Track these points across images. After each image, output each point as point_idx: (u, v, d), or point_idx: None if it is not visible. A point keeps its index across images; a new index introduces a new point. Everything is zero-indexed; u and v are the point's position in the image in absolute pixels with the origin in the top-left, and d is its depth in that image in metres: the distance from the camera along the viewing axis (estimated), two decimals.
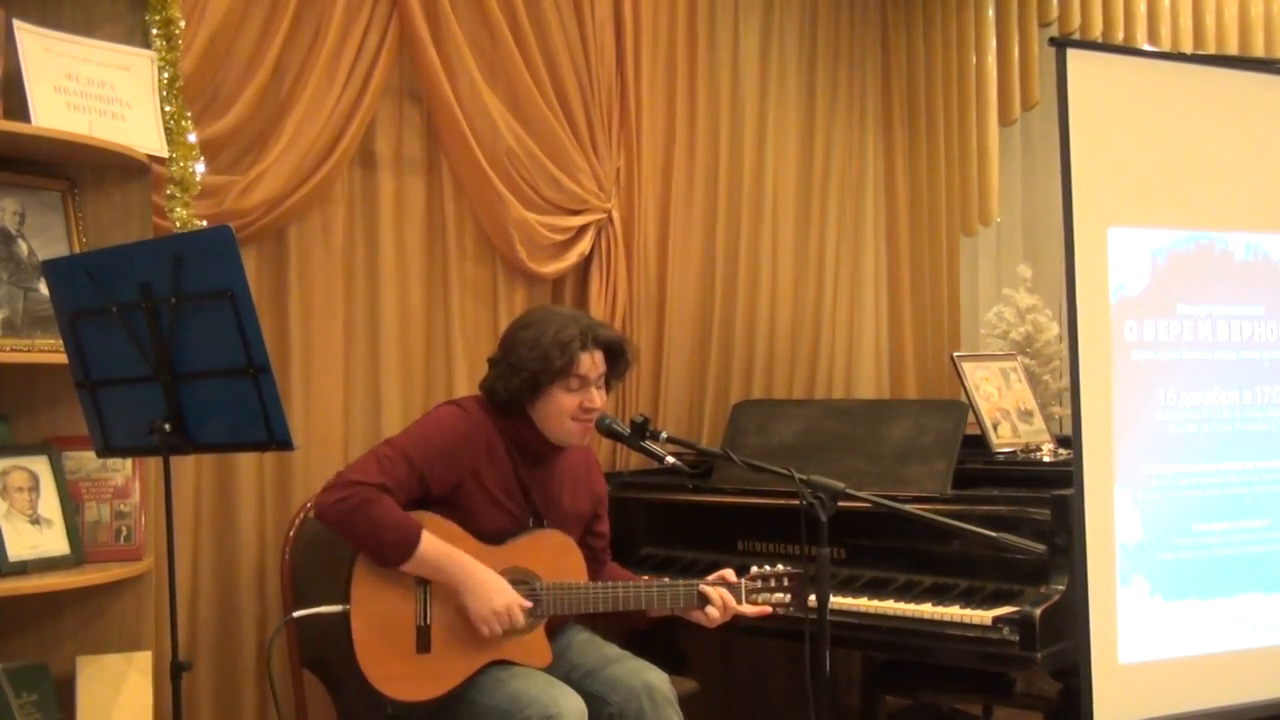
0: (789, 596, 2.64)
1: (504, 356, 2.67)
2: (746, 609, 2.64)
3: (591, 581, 2.67)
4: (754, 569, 2.68)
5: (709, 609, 2.62)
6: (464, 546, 2.52)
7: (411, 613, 2.48)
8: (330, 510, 2.43)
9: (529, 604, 2.51)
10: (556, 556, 2.62)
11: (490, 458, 2.62)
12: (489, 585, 2.48)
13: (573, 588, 2.59)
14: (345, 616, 2.44)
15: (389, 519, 2.42)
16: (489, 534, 2.58)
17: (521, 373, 2.61)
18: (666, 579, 3.30)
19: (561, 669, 2.62)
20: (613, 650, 2.69)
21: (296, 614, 2.56)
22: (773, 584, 2.65)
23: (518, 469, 2.65)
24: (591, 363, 2.65)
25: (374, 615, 2.45)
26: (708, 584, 2.64)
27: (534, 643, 2.57)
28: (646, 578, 2.86)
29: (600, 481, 2.90)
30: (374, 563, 2.46)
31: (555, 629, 2.69)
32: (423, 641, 2.48)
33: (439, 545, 2.47)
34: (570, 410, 2.63)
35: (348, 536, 2.46)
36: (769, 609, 2.65)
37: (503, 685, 2.47)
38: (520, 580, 2.55)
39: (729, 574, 2.68)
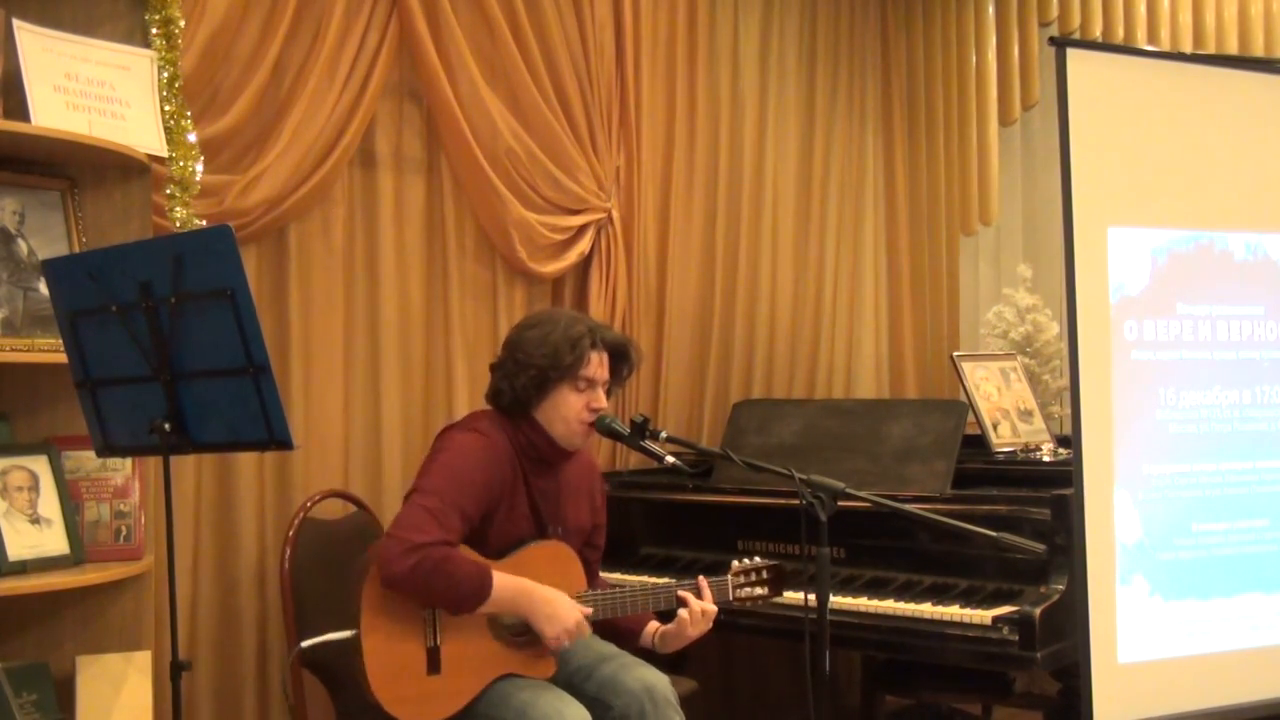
0: (767, 590, 2.70)
1: (509, 356, 2.66)
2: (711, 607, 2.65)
3: (596, 591, 2.65)
4: (735, 564, 2.71)
5: (680, 612, 2.62)
6: None
7: (421, 634, 2.46)
8: (407, 577, 2.37)
9: (589, 609, 2.53)
10: (559, 568, 2.61)
11: (511, 479, 2.61)
12: (559, 606, 2.49)
13: (578, 598, 2.57)
14: (356, 642, 2.42)
15: (464, 572, 2.41)
16: (497, 548, 2.57)
17: (529, 370, 2.60)
18: (666, 579, 3.31)
19: (564, 672, 2.61)
20: (609, 649, 2.69)
21: (305, 643, 2.52)
22: (754, 578, 2.70)
23: (528, 481, 2.64)
24: (599, 362, 2.65)
25: (384, 640, 2.43)
26: (689, 587, 2.64)
27: (540, 655, 2.56)
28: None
29: (601, 496, 2.88)
30: (448, 611, 2.45)
31: None
32: (433, 663, 2.46)
33: (508, 581, 2.47)
34: (578, 411, 2.62)
35: (424, 596, 2.42)
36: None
37: (509, 699, 2.46)
38: None
39: (703, 583, 2.67)
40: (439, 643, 2.47)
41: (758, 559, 2.73)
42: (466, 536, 2.49)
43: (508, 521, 2.59)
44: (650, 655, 2.72)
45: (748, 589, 2.69)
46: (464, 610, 2.44)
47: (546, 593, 2.50)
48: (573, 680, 2.60)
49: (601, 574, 2.96)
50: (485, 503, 2.53)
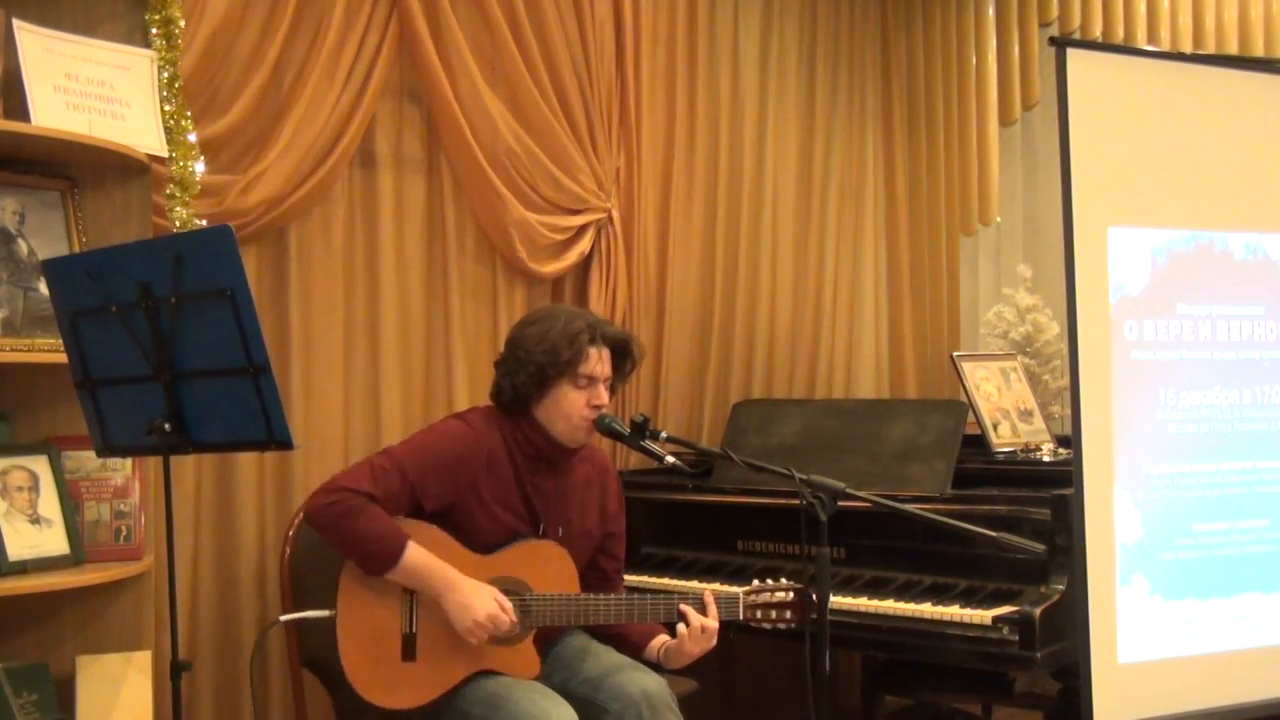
0: (790, 613, 2.57)
1: (510, 353, 2.65)
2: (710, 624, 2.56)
3: (584, 594, 2.61)
4: (755, 583, 2.61)
5: (680, 627, 2.55)
6: (451, 554, 2.49)
7: (397, 620, 2.46)
8: (318, 514, 2.43)
9: (514, 619, 2.47)
10: (547, 567, 2.59)
11: (491, 471, 2.58)
12: (471, 595, 2.44)
13: (562, 599, 2.56)
14: (332, 622, 2.43)
15: (374, 528, 2.41)
16: (486, 543, 2.56)
17: (529, 366, 2.59)
18: (666, 579, 3.32)
19: (560, 677, 2.59)
20: (613, 658, 2.64)
21: (283, 618, 2.56)
22: (773, 613, 2.57)
23: (522, 478, 2.62)
24: (599, 359, 2.63)
25: (360, 622, 2.44)
26: (690, 603, 2.56)
27: (522, 653, 2.54)
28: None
29: (615, 501, 2.82)
30: (359, 569, 2.45)
31: (553, 637, 2.66)
32: (408, 649, 2.46)
33: (423, 557, 2.44)
34: (579, 408, 2.60)
35: (334, 541, 2.45)
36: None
37: (491, 694, 2.44)
38: (509, 590, 2.52)
39: (708, 598, 2.58)
40: (415, 630, 2.47)
41: (783, 580, 2.60)
42: (415, 510, 2.49)
43: (494, 515, 2.57)
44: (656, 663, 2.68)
45: (763, 610, 2.56)
46: (370, 570, 2.43)
47: (464, 581, 2.46)
48: (569, 685, 2.57)
49: None
50: (446, 484, 2.53)
